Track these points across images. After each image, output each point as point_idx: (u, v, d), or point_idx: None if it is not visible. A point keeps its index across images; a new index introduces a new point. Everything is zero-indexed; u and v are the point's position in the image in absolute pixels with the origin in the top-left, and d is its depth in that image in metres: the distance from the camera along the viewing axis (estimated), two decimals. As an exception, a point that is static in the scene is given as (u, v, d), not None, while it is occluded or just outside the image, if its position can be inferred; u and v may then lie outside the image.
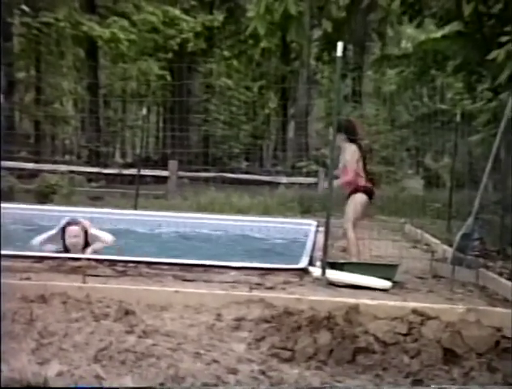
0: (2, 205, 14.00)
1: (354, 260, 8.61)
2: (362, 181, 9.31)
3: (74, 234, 8.94)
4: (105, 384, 4.82)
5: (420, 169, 27.95)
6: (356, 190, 9.24)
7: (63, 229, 8.98)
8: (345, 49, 7.23)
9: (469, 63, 16.86)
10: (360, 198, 9.22)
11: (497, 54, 12.24)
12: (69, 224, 9.06)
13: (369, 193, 9.37)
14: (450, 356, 5.41)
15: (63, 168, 21.97)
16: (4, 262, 7.12)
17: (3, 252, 7.69)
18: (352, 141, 9.35)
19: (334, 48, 7.63)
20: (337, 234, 9.46)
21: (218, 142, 36.95)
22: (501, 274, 7.60)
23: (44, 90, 33.17)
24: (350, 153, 9.26)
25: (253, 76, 37.91)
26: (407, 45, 34.11)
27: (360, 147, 9.39)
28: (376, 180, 20.82)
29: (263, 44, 34.09)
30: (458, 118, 13.44)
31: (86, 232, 9.03)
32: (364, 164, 9.43)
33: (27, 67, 35.31)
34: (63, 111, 37.28)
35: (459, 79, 23.22)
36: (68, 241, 8.90)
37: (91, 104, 32.52)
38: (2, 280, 6.22)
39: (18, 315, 5.63)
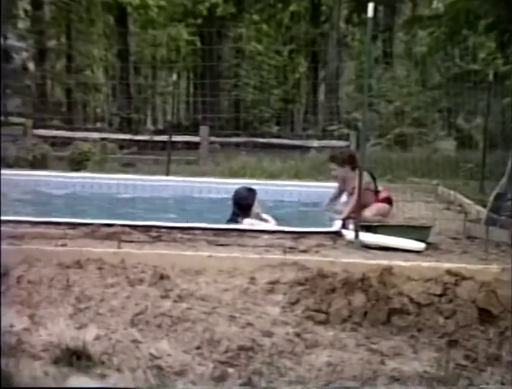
0: (37, 172, 14.19)
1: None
2: (383, 194, 9.50)
3: None
4: (142, 348, 4.87)
5: (452, 130, 27.72)
6: (381, 201, 9.35)
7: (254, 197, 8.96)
8: (375, 10, 7.19)
9: (501, 22, 16.67)
10: (382, 206, 9.33)
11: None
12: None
13: (391, 202, 9.49)
14: (485, 316, 5.41)
15: (95, 135, 22.07)
16: (38, 229, 7.20)
17: (37, 219, 7.78)
18: (354, 169, 9.45)
19: (364, 9, 7.55)
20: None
21: (248, 107, 36.88)
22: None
23: (75, 58, 33.28)
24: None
25: (283, 40, 37.72)
26: (438, 5, 33.71)
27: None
28: (408, 142, 20.75)
29: (293, 7, 33.89)
30: (490, 78, 13.31)
31: None
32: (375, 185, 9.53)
33: (57, 35, 35.36)
34: (94, 78, 37.38)
35: (491, 38, 22.98)
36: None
37: (122, 71, 32.59)
38: (36, 247, 6.30)
39: (55, 281, 5.70)
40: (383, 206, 9.35)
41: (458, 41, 26.22)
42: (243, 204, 8.78)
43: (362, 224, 7.33)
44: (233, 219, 8.64)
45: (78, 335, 4.93)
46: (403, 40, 34.67)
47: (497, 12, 16.60)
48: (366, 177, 9.29)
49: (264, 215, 8.88)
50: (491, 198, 8.19)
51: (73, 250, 6.23)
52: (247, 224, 8.40)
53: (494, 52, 25.30)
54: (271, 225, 8.54)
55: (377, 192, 9.44)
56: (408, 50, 34.16)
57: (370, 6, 7.36)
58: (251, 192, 8.96)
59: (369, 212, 8.89)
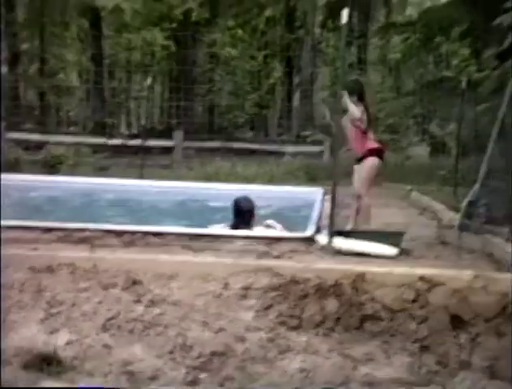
0: (8, 176, 14.05)
1: (362, 227, 8.66)
2: (372, 143, 9.35)
3: None
4: (114, 353, 4.85)
5: (425, 137, 27.88)
6: (367, 154, 9.26)
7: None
8: (350, 16, 7.24)
9: (474, 29, 16.79)
10: (372, 161, 9.25)
11: (503, 20, 12.23)
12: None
13: (381, 154, 9.41)
14: (457, 322, 5.44)
15: (68, 139, 21.99)
16: (11, 234, 7.14)
17: (8, 223, 7.70)
18: (361, 101, 9.37)
19: (339, 15, 7.57)
20: (343, 203, 9.46)
21: (223, 111, 36.86)
22: (507, 240, 7.59)
23: (49, 61, 33.09)
24: (359, 112, 9.25)
25: (258, 45, 37.69)
26: (412, 12, 33.91)
27: (367, 108, 9.41)
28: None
29: (268, 12, 33.90)
30: (463, 85, 13.39)
31: None
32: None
33: (31, 38, 35.15)
34: (68, 82, 37.21)
35: (465, 45, 23.14)
36: None
37: (96, 74, 32.40)
38: (9, 251, 6.24)
39: (26, 285, 5.66)
40: (373, 163, 9.34)
41: (432, 48, 26.38)
42: (250, 212, 8.80)
43: (335, 229, 7.34)
44: (238, 227, 8.58)
45: (50, 340, 4.90)
46: (378, 46, 34.81)
47: (470, 19, 16.73)
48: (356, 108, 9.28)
49: (269, 221, 8.89)
50: (464, 204, 8.22)
51: (45, 255, 6.18)
52: (258, 231, 8.41)
53: (467, 59, 25.47)
54: (280, 231, 8.58)
55: (365, 132, 9.37)
56: (382, 56, 34.32)
57: (344, 12, 7.38)
58: (251, 200, 9.01)
59: (363, 173, 9.04)
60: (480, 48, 18.40)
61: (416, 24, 21.36)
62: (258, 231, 8.33)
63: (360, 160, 9.32)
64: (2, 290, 5.55)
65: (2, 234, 6.89)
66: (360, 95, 9.44)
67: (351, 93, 9.34)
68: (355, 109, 9.20)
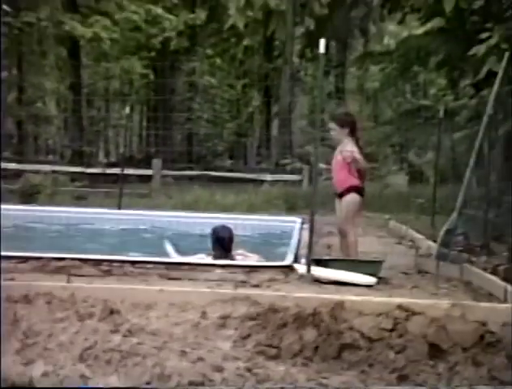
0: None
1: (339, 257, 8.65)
2: (354, 180, 9.18)
3: None
4: (91, 383, 4.80)
5: (403, 165, 28.04)
6: (348, 191, 9.09)
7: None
8: (328, 46, 7.25)
9: (451, 59, 16.92)
10: (352, 198, 9.02)
11: (478, 50, 12.37)
12: None
13: (361, 191, 9.22)
14: (435, 351, 5.42)
15: (46, 168, 21.91)
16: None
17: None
18: (352, 136, 9.18)
19: (317, 45, 7.62)
20: (322, 231, 9.46)
21: (202, 140, 36.96)
22: (485, 269, 7.63)
23: (27, 90, 33.03)
24: (360, 157, 9.07)
25: (237, 74, 37.89)
26: (389, 42, 34.22)
27: (358, 144, 9.25)
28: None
29: (246, 42, 34.11)
30: (441, 114, 13.48)
31: None
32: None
33: (9, 67, 35.07)
34: (46, 111, 37.09)
35: (442, 74, 23.35)
36: None
37: (74, 103, 32.37)
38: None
39: (1, 316, 5.60)
40: (354, 199, 9.00)
41: (410, 77, 26.59)
42: (229, 241, 8.82)
43: (314, 258, 7.34)
44: (220, 255, 8.58)
45: (25, 371, 4.85)
46: (356, 75, 35.09)
47: (447, 49, 16.86)
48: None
49: (239, 251, 8.91)
50: (441, 233, 8.25)
51: (21, 284, 6.13)
52: (239, 259, 8.43)
53: (444, 88, 25.70)
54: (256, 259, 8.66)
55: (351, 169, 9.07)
56: (360, 86, 34.60)
57: (322, 41, 7.44)
58: (229, 228, 9.05)
59: (344, 210, 8.88)
60: (456, 77, 18.56)
61: (393, 54, 21.50)
62: (236, 260, 8.34)
63: (340, 195, 9.14)
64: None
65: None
66: (352, 129, 9.22)
67: (342, 126, 9.18)
68: (358, 156, 9.01)
